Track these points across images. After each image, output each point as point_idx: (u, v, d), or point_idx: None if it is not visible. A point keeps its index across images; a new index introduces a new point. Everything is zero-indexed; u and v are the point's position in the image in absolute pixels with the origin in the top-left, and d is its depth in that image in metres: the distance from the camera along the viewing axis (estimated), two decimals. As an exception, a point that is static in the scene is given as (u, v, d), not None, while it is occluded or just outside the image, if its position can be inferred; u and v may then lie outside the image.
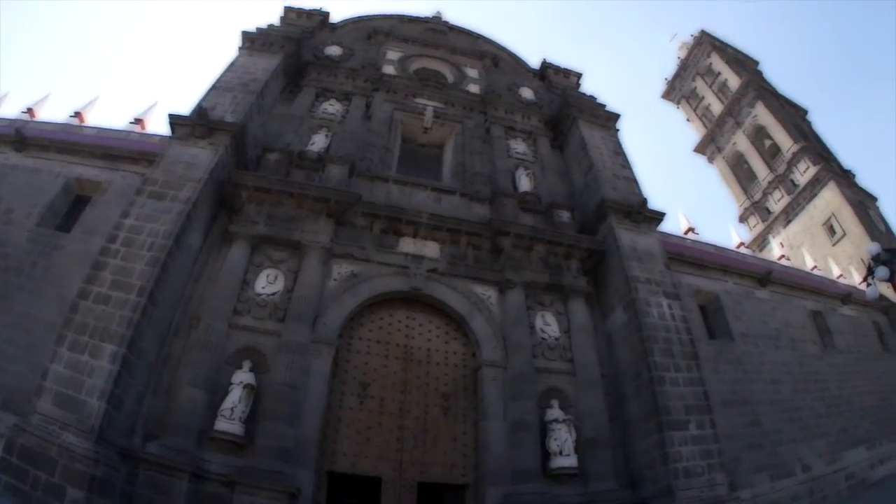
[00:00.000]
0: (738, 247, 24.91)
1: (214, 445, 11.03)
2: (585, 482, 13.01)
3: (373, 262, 14.64)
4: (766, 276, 22.10)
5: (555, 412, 13.59)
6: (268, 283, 13.63)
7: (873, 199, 40.33)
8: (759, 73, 50.50)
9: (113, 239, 11.95)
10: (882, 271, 12.76)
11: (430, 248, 15.23)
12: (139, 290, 11.12)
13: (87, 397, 9.89)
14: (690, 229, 22.19)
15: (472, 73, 22.89)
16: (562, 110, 20.56)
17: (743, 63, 50.04)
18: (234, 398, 11.43)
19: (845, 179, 39.32)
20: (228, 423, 11.12)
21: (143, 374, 11.16)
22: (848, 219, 35.36)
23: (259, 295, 13.34)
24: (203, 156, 13.90)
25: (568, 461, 12.92)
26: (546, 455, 13.05)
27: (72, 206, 15.14)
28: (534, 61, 24.85)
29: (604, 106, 20.69)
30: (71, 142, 15.97)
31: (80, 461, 9.30)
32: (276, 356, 12.34)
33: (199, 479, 10.35)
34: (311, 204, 14.47)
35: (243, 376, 11.80)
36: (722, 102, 47.70)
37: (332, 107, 18.93)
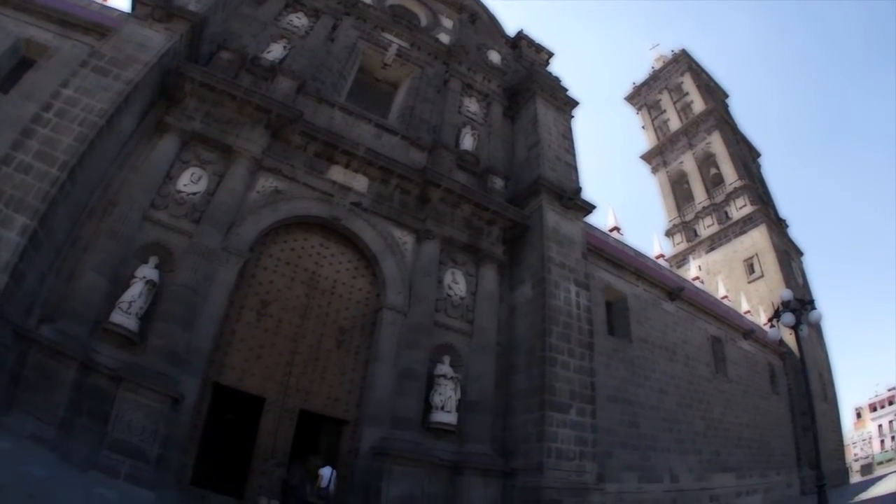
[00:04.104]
0: (657, 257, 25.70)
1: (107, 337, 10.70)
2: (461, 441, 13.40)
3: (299, 182, 14.36)
4: (677, 292, 22.91)
5: (445, 368, 13.87)
6: (191, 181, 13.17)
7: (799, 252, 42.21)
8: (725, 106, 51.80)
9: (47, 107, 11.27)
10: (789, 317, 13.30)
11: (359, 182, 15.06)
12: (62, 164, 10.58)
13: (-10, 268, 9.36)
14: (616, 228, 22.70)
15: (447, 23, 22.47)
16: (524, 83, 20.49)
17: (713, 91, 51.15)
18: (135, 292, 11.10)
19: (777, 226, 40.94)
20: (125, 316, 10.79)
21: (49, 252, 10.65)
22: (769, 262, 36.83)
23: (180, 192, 12.89)
24: (156, 39, 13.21)
25: (448, 417, 13.28)
26: (428, 407, 13.35)
27: (16, 67, 14.15)
28: (511, 28, 24.62)
29: (566, 90, 20.74)
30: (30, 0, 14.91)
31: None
32: (184, 257, 12.02)
33: (86, 370, 10.02)
34: (251, 111, 13.99)
35: (148, 271, 11.46)
36: (681, 121, 48.88)
37: (298, 20, 18.19)
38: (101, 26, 14.46)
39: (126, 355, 10.67)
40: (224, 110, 13.91)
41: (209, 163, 13.58)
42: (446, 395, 13.50)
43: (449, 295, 15.19)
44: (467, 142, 18.21)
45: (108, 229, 11.51)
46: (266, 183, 14.03)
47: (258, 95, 14.08)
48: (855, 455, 66.89)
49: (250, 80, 15.16)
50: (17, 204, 9.97)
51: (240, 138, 13.80)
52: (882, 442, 69.48)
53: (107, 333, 10.71)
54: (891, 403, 71.23)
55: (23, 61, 14.27)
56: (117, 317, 10.76)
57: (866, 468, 57.66)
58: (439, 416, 13.22)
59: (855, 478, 42.79)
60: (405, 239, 15.27)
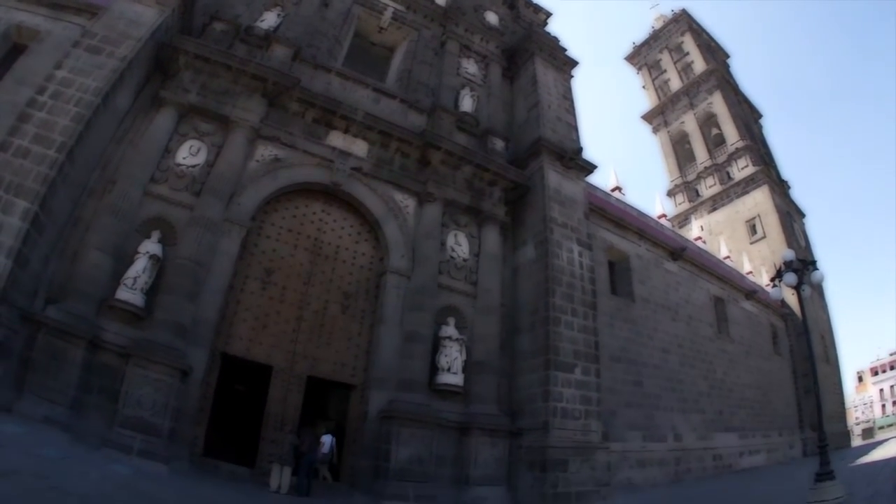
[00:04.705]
0: (659, 217, 25.60)
1: (114, 314, 10.75)
2: (467, 402, 13.57)
3: (298, 149, 14.27)
4: (680, 252, 22.92)
5: (450, 330, 13.96)
6: (190, 154, 13.06)
7: (801, 214, 42.11)
8: (726, 66, 51.24)
9: (42, 91, 11.14)
10: (791, 277, 13.26)
11: (359, 147, 14.96)
12: (59, 146, 10.50)
13: (-6, 254, 9.34)
14: (618, 188, 22.60)
15: (442, -17, 21.95)
16: (522, 43, 20.17)
17: (714, 52, 50.56)
18: (139, 268, 11.12)
19: (779, 187, 40.80)
20: (130, 292, 10.84)
21: (51, 234, 10.64)
22: (771, 223, 36.80)
23: (179, 165, 12.81)
24: (148, 15, 12.99)
25: (454, 378, 13.41)
26: (434, 369, 13.48)
27: (7, 54, 13.95)
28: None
29: (565, 50, 20.42)
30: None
31: (-19, 321, 8.84)
32: (186, 230, 12.02)
33: (95, 348, 10.11)
34: (247, 80, 13.82)
35: (151, 246, 11.47)
36: (682, 81, 48.35)
37: (291, -14, 17.88)
38: (92, 6, 14.18)
39: (133, 331, 10.75)
40: (220, 81, 13.74)
41: (207, 134, 13.46)
42: (452, 357, 13.61)
43: (452, 257, 15.21)
44: (466, 103, 18.02)
45: (109, 207, 11.49)
46: (265, 151, 13.95)
47: (253, 64, 13.89)
48: (856, 419, 67.30)
49: (245, 49, 14.94)
50: (18, 189, 9.93)
51: (237, 108, 13.66)
52: (883, 406, 69.84)
53: (113, 311, 10.76)
54: (892, 368, 71.25)
55: (14, 47, 14.04)
56: (123, 293, 10.81)
57: (867, 432, 58.17)
58: (445, 378, 13.34)
59: (856, 441, 43.30)
60: (407, 202, 15.26)
